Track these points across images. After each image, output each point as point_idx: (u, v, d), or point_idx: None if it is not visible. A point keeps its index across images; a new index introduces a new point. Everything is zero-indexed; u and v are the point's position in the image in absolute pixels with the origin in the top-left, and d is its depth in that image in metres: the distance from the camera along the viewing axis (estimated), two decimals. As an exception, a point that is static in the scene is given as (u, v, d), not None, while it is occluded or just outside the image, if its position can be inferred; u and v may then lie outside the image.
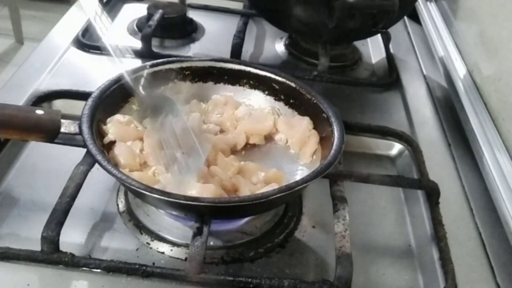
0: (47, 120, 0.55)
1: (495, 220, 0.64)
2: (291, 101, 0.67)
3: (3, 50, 2.60)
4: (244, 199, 0.51)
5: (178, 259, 0.55)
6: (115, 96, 0.63)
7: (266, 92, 0.69)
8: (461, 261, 0.58)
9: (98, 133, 0.58)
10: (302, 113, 0.64)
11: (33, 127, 0.54)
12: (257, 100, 0.69)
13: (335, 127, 0.59)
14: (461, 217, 0.65)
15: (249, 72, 0.69)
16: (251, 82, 0.69)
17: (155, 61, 0.68)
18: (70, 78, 0.80)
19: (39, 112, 0.55)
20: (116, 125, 0.60)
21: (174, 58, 0.70)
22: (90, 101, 0.59)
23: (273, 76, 0.67)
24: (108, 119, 0.61)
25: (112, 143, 0.59)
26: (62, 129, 0.56)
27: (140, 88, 0.62)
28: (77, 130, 0.56)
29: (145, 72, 0.65)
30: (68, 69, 0.83)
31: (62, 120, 0.56)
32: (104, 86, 0.62)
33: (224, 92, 0.70)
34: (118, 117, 0.61)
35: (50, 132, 0.55)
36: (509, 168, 0.67)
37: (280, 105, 0.67)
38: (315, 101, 0.63)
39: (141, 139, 0.61)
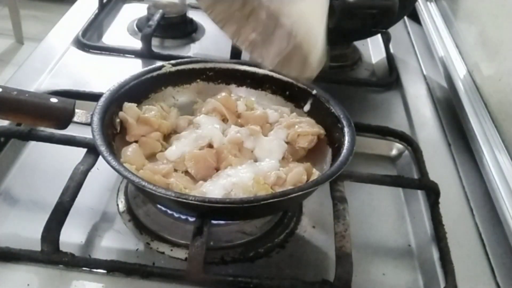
0: (60, 108, 0.56)
1: (495, 220, 0.64)
2: (309, 109, 0.67)
3: (3, 50, 2.61)
4: (236, 201, 0.51)
5: (178, 259, 0.55)
6: (135, 91, 0.63)
7: (288, 98, 0.69)
8: (461, 261, 0.58)
9: (111, 126, 0.59)
10: (319, 121, 0.64)
11: (46, 114, 0.55)
12: (279, 105, 0.69)
13: (346, 138, 0.59)
14: (461, 217, 0.65)
15: (271, 77, 0.69)
16: (274, 87, 0.69)
17: (178, 60, 0.68)
18: (70, 78, 0.80)
19: (54, 100, 0.56)
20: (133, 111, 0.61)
21: (199, 58, 0.70)
22: (107, 93, 0.60)
23: (294, 82, 0.67)
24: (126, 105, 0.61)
25: (125, 142, 0.60)
26: (75, 118, 0.56)
27: None
28: (88, 120, 0.56)
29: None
30: (68, 69, 0.83)
31: (76, 110, 0.56)
32: (124, 80, 0.62)
33: (246, 95, 0.70)
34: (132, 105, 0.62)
35: (62, 120, 0.56)
36: (509, 168, 0.67)
37: (299, 112, 0.67)
38: (332, 111, 0.63)
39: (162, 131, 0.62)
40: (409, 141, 0.74)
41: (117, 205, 0.61)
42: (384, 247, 0.62)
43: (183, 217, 0.58)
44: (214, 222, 0.57)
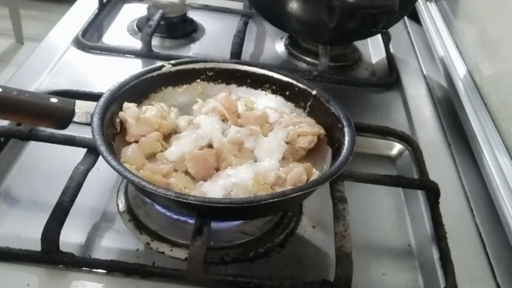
0: (60, 108, 0.56)
1: (495, 220, 0.64)
2: (308, 109, 0.67)
3: (3, 50, 2.61)
4: (236, 201, 0.51)
5: (178, 259, 0.55)
6: (135, 91, 0.63)
7: (288, 98, 0.69)
8: (461, 261, 0.58)
9: (111, 126, 0.59)
10: (319, 121, 0.64)
11: (46, 114, 0.55)
12: (278, 105, 0.69)
13: (347, 138, 0.59)
14: (461, 217, 0.65)
15: (271, 77, 0.69)
16: (274, 87, 0.69)
17: (178, 60, 0.68)
18: (70, 78, 0.80)
19: (53, 100, 0.56)
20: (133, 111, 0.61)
21: (199, 58, 0.70)
22: (107, 93, 0.60)
23: (294, 82, 0.68)
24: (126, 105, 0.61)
25: (125, 142, 0.60)
26: (75, 118, 0.56)
27: None
28: (88, 120, 0.56)
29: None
30: (68, 69, 0.83)
31: (76, 110, 0.56)
32: (124, 80, 0.62)
33: (246, 95, 0.70)
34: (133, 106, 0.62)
35: (62, 120, 0.56)
36: (509, 168, 0.67)
37: (299, 112, 0.67)
38: (332, 111, 0.63)
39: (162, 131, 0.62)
40: (409, 141, 0.74)
41: (117, 205, 0.61)
42: (384, 247, 0.62)
43: (183, 217, 0.58)
44: (214, 222, 0.57)
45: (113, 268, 0.52)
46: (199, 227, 0.52)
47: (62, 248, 0.52)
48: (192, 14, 1.03)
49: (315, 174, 0.58)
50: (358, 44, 1.03)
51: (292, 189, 0.52)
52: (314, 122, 0.64)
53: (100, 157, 0.53)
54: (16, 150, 0.66)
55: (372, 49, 1.04)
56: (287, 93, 0.68)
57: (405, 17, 1.11)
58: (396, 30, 1.05)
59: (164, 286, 0.52)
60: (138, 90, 0.64)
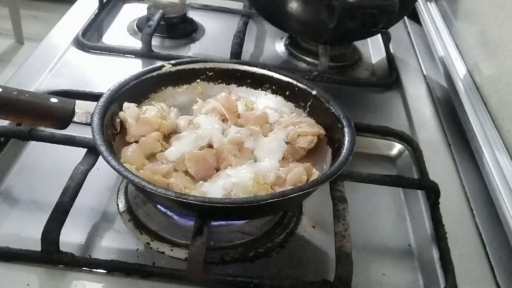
0: (60, 108, 0.56)
1: (495, 220, 0.64)
2: (308, 109, 0.67)
3: (3, 50, 2.60)
4: (236, 201, 0.51)
5: (178, 259, 0.55)
6: (135, 91, 0.63)
7: (288, 98, 0.69)
8: (461, 261, 0.58)
9: (111, 126, 0.59)
10: (319, 121, 0.64)
11: (46, 114, 0.55)
12: (278, 105, 0.69)
13: (347, 138, 0.59)
14: (461, 217, 0.65)
15: (271, 77, 0.69)
16: (274, 87, 0.69)
17: (178, 60, 0.68)
18: (70, 78, 0.80)
19: (53, 100, 0.56)
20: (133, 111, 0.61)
21: (199, 58, 0.70)
22: (107, 93, 0.60)
23: (294, 82, 0.68)
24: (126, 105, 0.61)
25: (125, 142, 0.60)
26: (75, 118, 0.56)
27: None
28: (88, 120, 0.56)
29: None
30: (68, 69, 0.83)
31: (76, 110, 0.56)
32: (124, 80, 0.62)
33: (246, 95, 0.70)
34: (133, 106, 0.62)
35: (62, 120, 0.56)
36: (509, 168, 0.67)
37: (299, 112, 0.67)
38: (332, 111, 0.63)
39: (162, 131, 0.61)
40: (409, 141, 0.74)
41: (117, 205, 0.61)
42: (384, 247, 0.62)
43: (183, 217, 0.58)
44: (214, 222, 0.57)
45: (113, 268, 0.52)
46: (199, 227, 0.52)
47: (62, 248, 0.52)
48: (192, 14, 1.03)
49: (315, 174, 0.58)
50: (358, 44, 1.03)
51: (292, 189, 0.52)
52: (314, 122, 0.64)
53: (100, 157, 0.53)
54: (16, 150, 0.66)
55: (372, 49, 1.04)
56: (287, 93, 0.68)
57: (405, 17, 1.11)
58: (396, 30, 1.05)
59: (164, 286, 0.52)
60: (138, 90, 0.64)
